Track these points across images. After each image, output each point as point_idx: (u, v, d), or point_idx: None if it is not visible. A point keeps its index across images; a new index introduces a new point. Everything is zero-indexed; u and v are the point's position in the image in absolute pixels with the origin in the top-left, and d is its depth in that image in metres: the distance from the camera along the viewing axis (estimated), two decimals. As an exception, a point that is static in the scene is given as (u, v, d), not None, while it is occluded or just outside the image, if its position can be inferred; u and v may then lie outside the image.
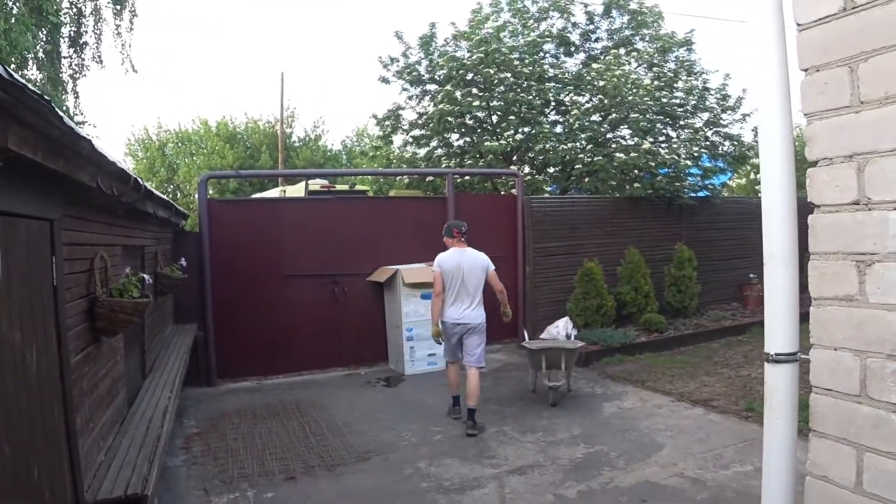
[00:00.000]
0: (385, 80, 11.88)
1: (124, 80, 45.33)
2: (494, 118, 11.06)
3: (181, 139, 26.40)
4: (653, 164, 9.27)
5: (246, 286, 7.86)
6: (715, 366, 7.48)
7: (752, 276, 11.30)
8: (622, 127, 10.80)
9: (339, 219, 8.25)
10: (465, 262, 5.71)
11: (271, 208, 8.17)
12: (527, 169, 11.44)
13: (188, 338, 6.97)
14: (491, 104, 9.93)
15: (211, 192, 12.70)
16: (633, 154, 9.31)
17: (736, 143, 11.57)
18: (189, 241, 7.81)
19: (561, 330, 8.60)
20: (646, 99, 9.90)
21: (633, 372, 7.31)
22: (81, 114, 14.51)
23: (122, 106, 43.78)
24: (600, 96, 10.31)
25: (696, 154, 10.40)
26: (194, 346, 7.53)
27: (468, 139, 11.53)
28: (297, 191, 11.79)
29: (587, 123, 10.13)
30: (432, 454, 5.00)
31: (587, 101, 10.80)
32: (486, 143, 9.66)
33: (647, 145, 9.32)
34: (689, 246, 9.89)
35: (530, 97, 10.09)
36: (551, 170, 11.38)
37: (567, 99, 11.29)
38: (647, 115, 9.85)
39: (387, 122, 12.34)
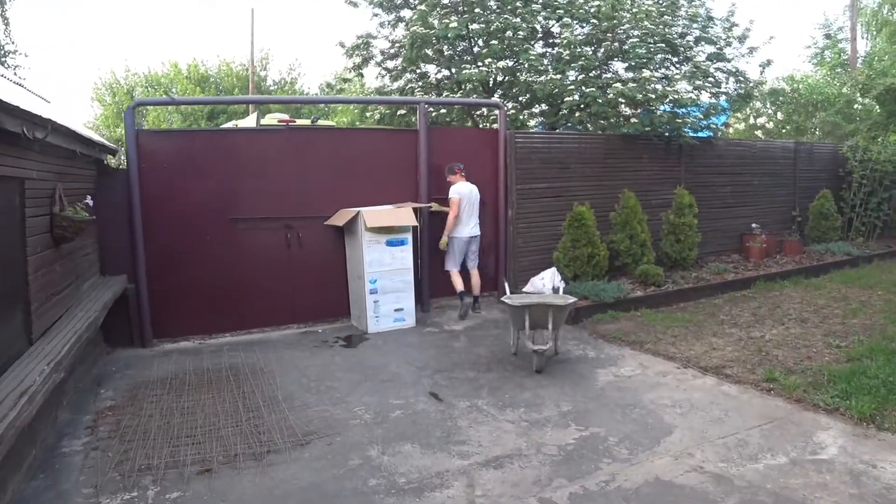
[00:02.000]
0: (353, 3, 10.50)
1: (91, 20, 42.23)
2: (475, 48, 9.80)
3: (150, 83, 24.86)
4: (652, 96, 8.14)
5: (186, 231, 6.75)
6: (721, 325, 6.58)
7: (754, 225, 10.40)
8: (616, 59, 9.62)
9: (296, 154, 7.09)
10: (473, 191, 7.48)
11: (216, 141, 6.93)
12: (510, 105, 10.27)
13: (109, 292, 5.88)
14: (470, 27, 8.65)
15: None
16: (630, 84, 8.17)
17: (742, 79, 10.45)
18: (117, 179, 6.63)
19: (547, 282, 7.64)
20: (645, 23, 8.69)
21: (630, 331, 6.39)
22: (12, 42, 13.05)
23: (90, 49, 41.18)
24: (594, 21, 9.07)
25: (696, 91, 9.26)
26: (124, 300, 6.48)
27: (445, 71, 10.27)
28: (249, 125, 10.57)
29: (579, 51, 8.91)
30: (388, 437, 4.05)
31: (578, 29, 9.54)
32: (464, 72, 8.42)
33: (647, 73, 8.17)
34: (688, 191, 8.89)
35: (515, 20, 8.81)
36: (539, 108, 10.22)
37: (556, 27, 10.01)
38: (647, 42, 8.66)
39: (356, 52, 11.01)
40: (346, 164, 7.30)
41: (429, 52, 9.61)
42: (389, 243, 6.90)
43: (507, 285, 6.39)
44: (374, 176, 7.42)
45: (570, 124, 9.46)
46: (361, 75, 11.06)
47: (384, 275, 6.90)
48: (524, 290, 7.80)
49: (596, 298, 7.13)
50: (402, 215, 6.86)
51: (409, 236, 6.97)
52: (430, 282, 7.82)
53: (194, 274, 6.82)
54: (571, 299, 5.40)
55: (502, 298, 5.59)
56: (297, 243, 7.15)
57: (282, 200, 7.06)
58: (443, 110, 10.14)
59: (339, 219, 6.97)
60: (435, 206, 7.51)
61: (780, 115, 15.92)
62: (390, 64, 10.78)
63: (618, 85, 8.03)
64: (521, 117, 8.94)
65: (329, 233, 7.19)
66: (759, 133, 16.17)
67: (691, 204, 8.76)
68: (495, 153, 8.06)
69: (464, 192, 7.33)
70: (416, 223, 6.84)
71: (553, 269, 7.76)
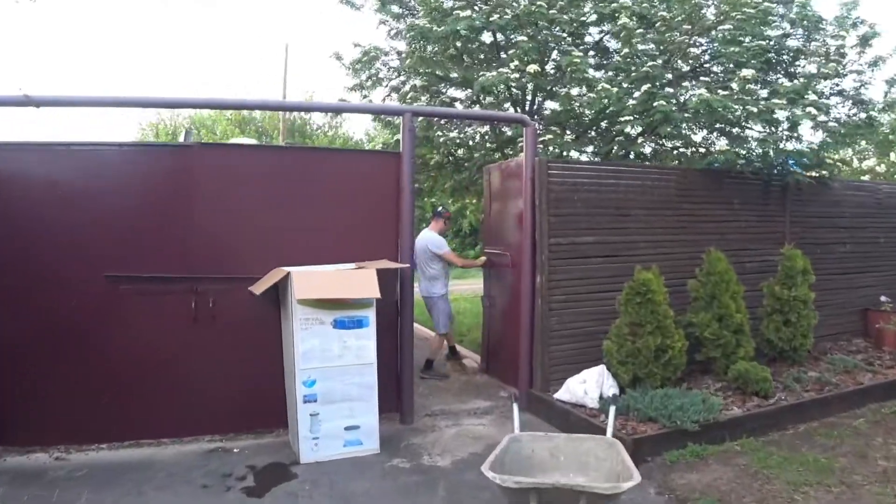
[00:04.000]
0: (351, 3, 8.37)
1: (131, 66, 42.27)
2: (500, 50, 7.41)
3: (195, 124, 24.25)
4: (754, 109, 5.52)
5: (44, 291, 4.52)
6: (887, 479, 3.80)
7: (883, 298, 7.50)
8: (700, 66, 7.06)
9: (212, 183, 4.80)
10: None
11: (86, 161, 4.63)
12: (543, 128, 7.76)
13: None
14: (490, 19, 6.28)
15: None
16: (720, 93, 5.60)
17: (862, 102, 7.70)
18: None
19: (591, 389, 4.99)
20: (737, 14, 6.15)
21: (730, 491, 3.67)
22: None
23: (132, 88, 41.12)
24: (663, 15, 6.56)
25: (806, 117, 6.56)
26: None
27: (459, 91, 7.92)
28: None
29: (643, 59, 6.35)
30: None
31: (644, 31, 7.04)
32: (481, 78, 6.03)
33: (746, 73, 5.58)
34: (800, 252, 6.16)
35: (552, 11, 6.41)
36: (586, 134, 7.67)
37: (613, 27, 7.51)
38: (740, 39, 6.12)
39: (361, 68, 8.80)
40: (293, 201, 4.94)
41: (433, 45, 7.23)
42: (339, 324, 4.43)
43: (514, 394, 3.78)
44: (336, 218, 5.03)
45: (627, 152, 6.88)
46: (367, 96, 8.83)
47: (329, 374, 4.42)
48: (557, 396, 5.16)
49: (669, 423, 4.42)
50: (357, 282, 4.41)
51: (369, 314, 4.49)
52: (411, 378, 5.29)
53: (55, 356, 4.53)
54: (625, 485, 2.66)
55: (483, 470, 2.85)
56: (210, 315, 4.76)
57: (187, 251, 4.73)
58: (443, 121, 7.59)
59: (263, 283, 4.55)
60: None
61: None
62: (398, 80, 8.53)
63: (703, 92, 5.44)
64: (560, 137, 6.36)
65: (258, 302, 4.75)
66: (865, 178, 13.12)
67: (806, 269, 6.02)
68: (518, 191, 5.60)
69: None
70: (376, 294, 4.35)
71: (601, 368, 5.11)
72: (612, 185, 5.69)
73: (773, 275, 6.05)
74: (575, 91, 6.49)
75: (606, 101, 5.85)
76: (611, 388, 4.99)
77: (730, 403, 4.90)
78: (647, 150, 7.67)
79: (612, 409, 3.43)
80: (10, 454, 4.53)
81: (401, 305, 5.14)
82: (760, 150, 6.13)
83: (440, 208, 6.69)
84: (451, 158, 8.63)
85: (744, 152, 6.04)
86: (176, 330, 4.71)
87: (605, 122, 6.73)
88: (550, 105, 7.56)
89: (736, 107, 5.43)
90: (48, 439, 4.62)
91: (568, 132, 6.90)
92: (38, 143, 4.64)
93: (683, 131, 6.13)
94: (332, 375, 4.43)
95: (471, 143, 8.55)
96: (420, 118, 6.69)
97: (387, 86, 8.72)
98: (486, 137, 8.76)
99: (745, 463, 4.08)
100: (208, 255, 4.75)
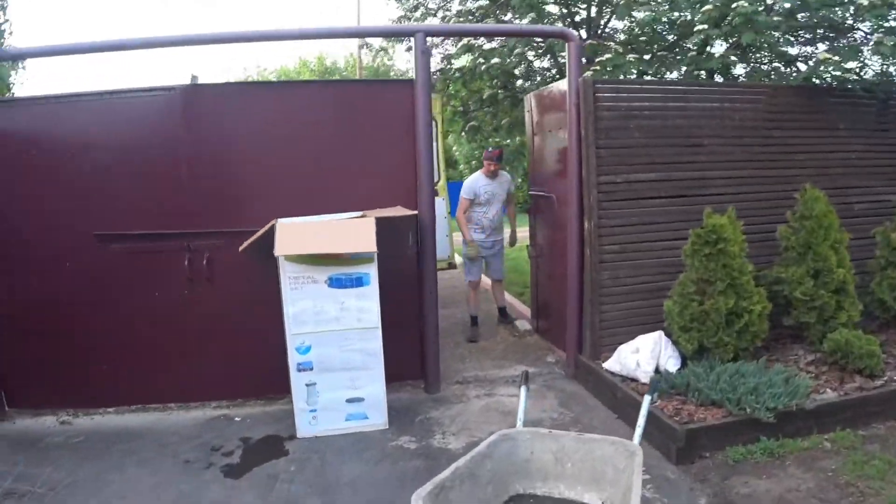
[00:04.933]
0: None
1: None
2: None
3: (280, 76, 24.47)
4: (864, 1, 4.20)
5: (28, 254, 4.22)
6: None
7: None
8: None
9: (210, 128, 4.25)
10: None
11: (65, 113, 4.19)
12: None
13: None
14: None
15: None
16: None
17: None
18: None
19: (644, 359, 4.15)
20: None
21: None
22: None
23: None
24: None
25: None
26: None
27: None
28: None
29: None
30: None
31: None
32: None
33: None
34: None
35: None
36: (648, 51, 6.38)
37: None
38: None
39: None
40: (294, 144, 4.32)
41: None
42: (334, 282, 3.82)
43: (521, 403, 2.94)
44: (343, 160, 4.36)
45: (698, 71, 5.62)
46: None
47: (325, 339, 3.86)
48: (606, 365, 4.35)
49: (737, 409, 3.51)
50: (349, 233, 3.75)
51: (370, 270, 3.84)
52: (436, 340, 4.64)
53: (54, 319, 4.27)
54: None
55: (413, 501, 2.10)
56: (206, 275, 4.30)
57: (182, 206, 4.25)
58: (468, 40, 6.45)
59: (252, 239, 3.97)
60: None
61: None
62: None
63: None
64: (621, 61, 5.19)
65: (261, 258, 4.18)
66: None
67: (936, 211, 4.73)
68: (561, 122, 4.68)
69: None
70: (372, 248, 3.67)
71: (658, 335, 4.22)
72: (679, 108, 4.59)
73: (888, 218, 4.80)
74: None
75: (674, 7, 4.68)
76: (670, 360, 4.12)
77: (823, 384, 3.87)
78: (738, 70, 6.36)
79: (646, 402, 2.62)
80: (21, 416, 4.43)
81: (421, 257, 4.45)
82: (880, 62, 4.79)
83: (490, 148, 5.88)
84: (506, 90, 7.66)
85: (855, 65, 4.71)
86: (171, 290, 4.31)
87: (674, 35, 5.51)
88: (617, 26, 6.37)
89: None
90: (57, 402, 4.44)
91: (631, 52, 5.69)
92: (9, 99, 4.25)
93: (776, 40, 4.84)
94: (329, 341, 3.87)
95: (528, 71, 7.53)
96: (458, 42, 5.75)
97: (436, 14, 7.80)
98: (549, 66, 7.70)
99: (833, 468, 3.13)
100: (199, 208, 4.25)
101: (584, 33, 6.33)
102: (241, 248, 3.93)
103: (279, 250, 3.66)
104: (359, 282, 3.85)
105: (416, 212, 4.23)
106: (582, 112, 4.39)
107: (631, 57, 5.39)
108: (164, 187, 4.22)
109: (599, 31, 6.53)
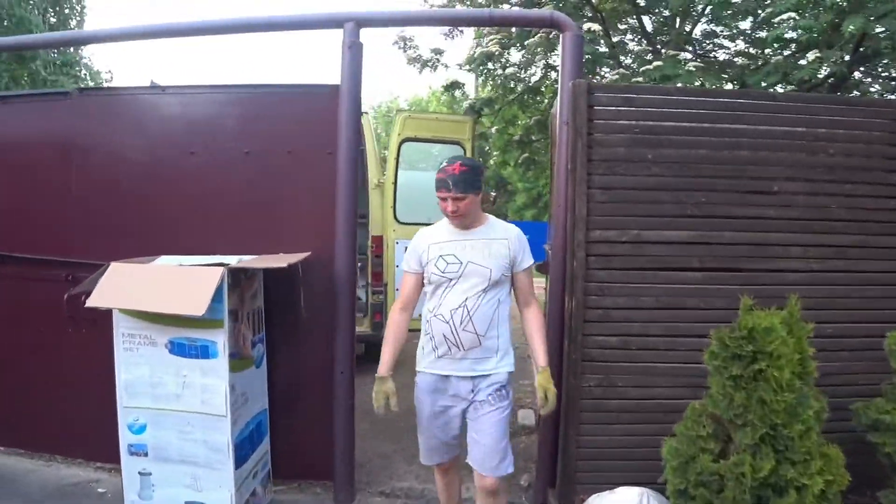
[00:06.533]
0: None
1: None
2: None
3: (412, 105, 25.09)
4: None
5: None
6: None
7: None
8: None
9: (101, 141, 3.53)
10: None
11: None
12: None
13: None
14: None
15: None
16: None
17: None
18: None
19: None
20: None
21: None
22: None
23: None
24: None
25: None
26: None
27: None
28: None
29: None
30: None
31: None
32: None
33: None
34: None
35: None
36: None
37: None
38: None
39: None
40: (194, 163, 3.42)
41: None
42: (176, 348, 2.82)
43: None
44: (250, 186, 3.38)
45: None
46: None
47: (163, 419, 2.88)
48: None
49: None
50: (188, 287, 2.69)
51: (218, 338, 2.77)
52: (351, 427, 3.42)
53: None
54: None
55: None
56: (85, 313, 3.55)
57: (68, 229, 3.56)
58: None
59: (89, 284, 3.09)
60: None
61: None
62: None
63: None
64: (665, 69, 3.55)
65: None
66: None
67: None
68: (554, 146, 3.29)
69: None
70: (199, 311, 2.56)
71: (641, 494, 2.63)
72: (732, 132, 2.96)
73: None
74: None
75: None
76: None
77: None
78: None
79: None
80: None
81: (334, 311, 3.28)
82: None
83: (445, 163, 3.99)
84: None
85: None
86: (50, 325, 3.62)
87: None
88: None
89: None
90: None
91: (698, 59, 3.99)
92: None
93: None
94: (167, 422, 2.88)
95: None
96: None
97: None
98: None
99: None
100: (86, 236, 3.53)
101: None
102: (78, 299, 3.08)
103: (91, 300, 2.76)
104: (204, 352, 2.81)
105: (305, 254, 3.09)
106: (569, 131, 2.97)
107: (691, 66, 3.74)
108: (48, 206, 3.56)
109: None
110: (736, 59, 4.39)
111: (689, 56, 4.43)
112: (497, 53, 4.92)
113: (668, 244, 2.95)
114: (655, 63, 3.65)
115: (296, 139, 3.33)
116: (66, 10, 12.00)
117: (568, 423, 3.02)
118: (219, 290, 2.68)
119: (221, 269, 2.76)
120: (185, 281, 2.77)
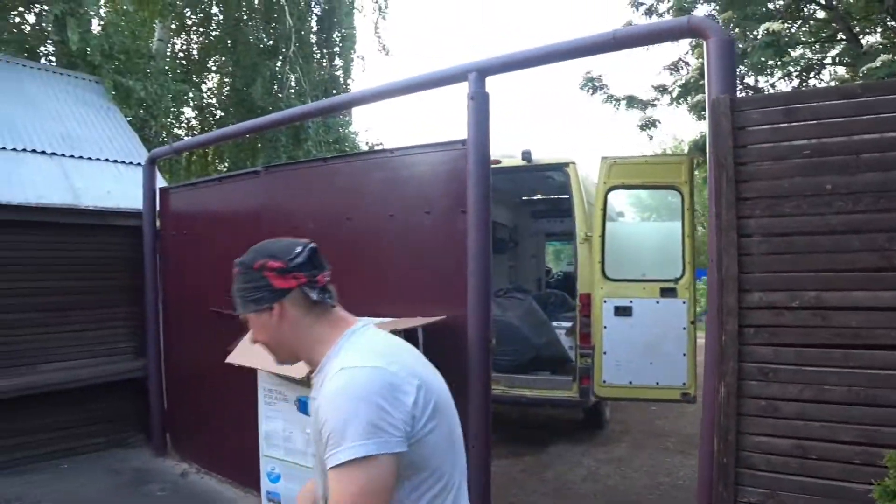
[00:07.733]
0: None
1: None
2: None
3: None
4: None
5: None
6: None
7: None
8: None
9: (278, 208, 3.99)
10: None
11: (220, 195, 4.45)
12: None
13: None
14: None
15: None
16: None
17: None
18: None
19: None
20: None
21: None
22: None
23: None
24: None
25: None
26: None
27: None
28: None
29: None
30: None
31: None
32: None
33: None
34: None
35: None
36: None
37: None
38: None
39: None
40: (332, 226, 3.61)
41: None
42: (302, 406, 2.95)
43: None
44: (379, 247, 3.42)
45: None
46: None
47: (294, 473, 3.12)
48: None
49: None
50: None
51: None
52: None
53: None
54: None
55: None
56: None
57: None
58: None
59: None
60: None
61: None
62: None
63: None
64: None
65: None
66: None
67: None
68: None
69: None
70: (300, 373, 2.54)
71: None
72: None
73: None
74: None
75: None
76: None
77: None
78: None
79: None
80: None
81: (465, 378, 3.01)
82: None
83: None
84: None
85: None
86: (249, 375, 4.11)
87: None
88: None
89: None
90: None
91: None
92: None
93: None
94: (296, 476, 3.02)
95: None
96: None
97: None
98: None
99: None
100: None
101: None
102: (227, 359, 3.40)
103: (230, 357, 3.03)
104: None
105: (432, 319, 2.91)
106: (713, 159, 2.29)
107: None
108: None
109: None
110: None
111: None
112: (693, 80, 4.14)
113: (863, 311, 2.02)
114: (883, 57, 2.57)
115: (433, 199, 3.24)
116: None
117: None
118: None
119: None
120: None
